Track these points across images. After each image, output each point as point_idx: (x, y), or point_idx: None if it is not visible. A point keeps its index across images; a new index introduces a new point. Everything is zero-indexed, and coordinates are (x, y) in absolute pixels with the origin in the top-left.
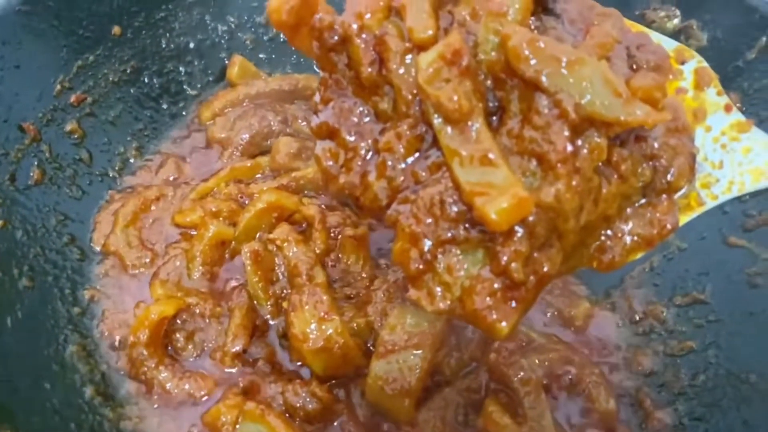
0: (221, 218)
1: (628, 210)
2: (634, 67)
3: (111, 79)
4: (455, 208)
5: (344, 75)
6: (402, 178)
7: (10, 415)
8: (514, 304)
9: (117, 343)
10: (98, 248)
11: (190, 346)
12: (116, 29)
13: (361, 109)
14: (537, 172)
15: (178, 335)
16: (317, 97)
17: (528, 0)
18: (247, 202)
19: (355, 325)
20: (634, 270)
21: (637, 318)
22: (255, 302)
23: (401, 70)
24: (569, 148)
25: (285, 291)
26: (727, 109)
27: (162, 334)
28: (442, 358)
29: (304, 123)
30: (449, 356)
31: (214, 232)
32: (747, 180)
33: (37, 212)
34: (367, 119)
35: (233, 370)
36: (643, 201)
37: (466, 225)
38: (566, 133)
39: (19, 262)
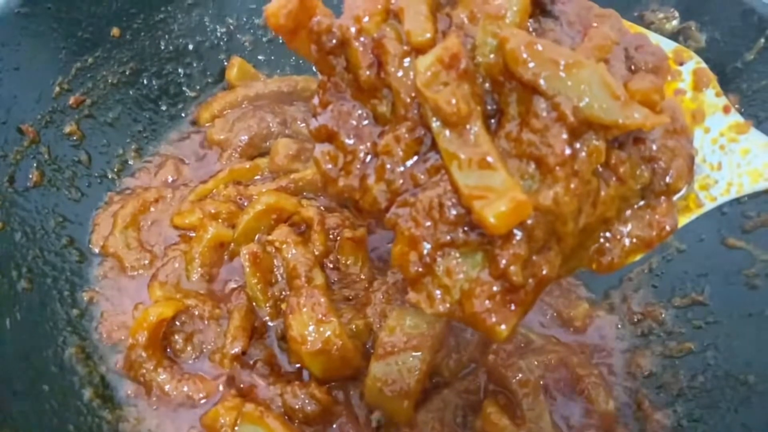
0: (220, 220)
1: (627, 212)
2: (633, 68)
3: (110, 80)
4: (454, 211)
5: (343, 78)
6: (401, 181)
7: (8, 417)
8: (513, 306)
9: (116, 345)
10: (97, 250)
11: (189, 348)
12: (115, 31)
13: (359, 112)
14: (535, 175)
15: (176, 337)
16: (316, 100)
17: (526, 2)
18: (246, 203)
19: (353, 326)
20: (633, 271)
21: (636, 319)
22: (254, 304)
23: (399, 73)
24: (567, 151)
25: (284, 293)
26: (726, 110)
27: (161, 335)
28: (441, 359)
29: (303, 124)
30: (448, 358)
31: (213, 233)
32: (745, 181)
33: (35, 214)
34: (365, 122)
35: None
36: (641, 203)
37: (465, 228)
38: (564, 136)
39: (18, 264)
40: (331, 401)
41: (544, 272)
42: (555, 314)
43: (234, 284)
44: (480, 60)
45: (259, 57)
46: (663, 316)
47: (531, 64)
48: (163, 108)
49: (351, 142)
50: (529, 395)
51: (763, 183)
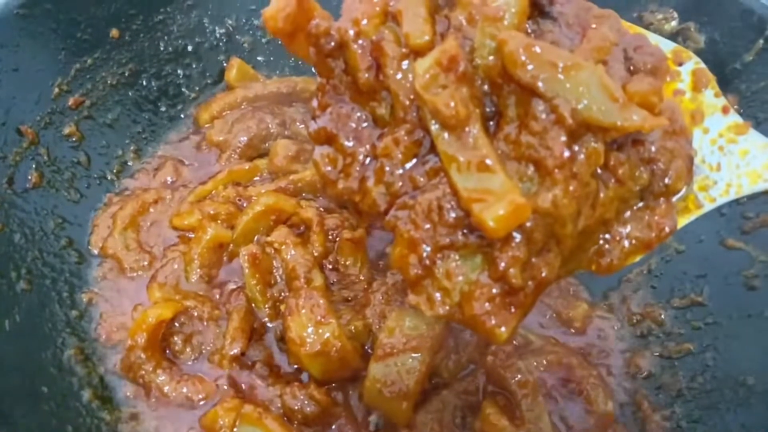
0: (219, 221)
1: (626, 213)
2: (632, 69)
3: (109, 82)
4: (453, 214)
5: (342, 80)
6: (400, 183)
7: (7, 419)
8: (512, 309)
9: (115, 346)
10: (96, 251)
11: (188, 349)
12: (114, 32)
13: (358, 114)
14: (534, 178)
15: (176, 338)
16: (315, 103)
17: (524, 4)
18: (245, 204)
19: (353, 327)
20: (632, 272)
21: (635, 320)
22: (253, 305)
23: (398, 76)
24: (566, 153)
25: (283, 294)
26: (725, 110)
27: (160, 337)
28: (440, 360)
29: (302, 126)
30: (447, 359)
31: (212, 234)
32: (745, 182)
33: (35, 215)
34: (365, 124)
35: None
36: (641, 204)
37: (465, 230)
38: (563, 139)
39: (17, 266)
40: (330, 402)
41: (544, 274)
42: (554, 315)
43: (233, 285)
44: (478, 62)
45: (259, 58)
46: (662, 316)
47: (529, 67)
48: (163, 109)
49: (350, 144)
50: (528, 396)
51: (762, 184)
